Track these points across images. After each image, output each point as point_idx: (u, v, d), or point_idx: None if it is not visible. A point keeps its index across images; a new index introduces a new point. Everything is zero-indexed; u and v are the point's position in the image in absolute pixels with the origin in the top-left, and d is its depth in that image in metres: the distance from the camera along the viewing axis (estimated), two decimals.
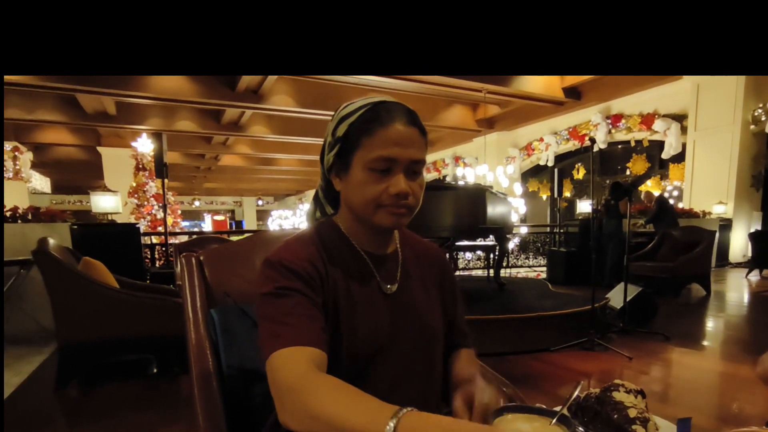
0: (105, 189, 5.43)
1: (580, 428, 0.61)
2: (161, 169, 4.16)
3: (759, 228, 8.05)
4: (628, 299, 3.68)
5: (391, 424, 0.49)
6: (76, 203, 18.85)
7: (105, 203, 5.04)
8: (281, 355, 0.62)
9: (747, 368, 2.91)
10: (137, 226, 4.59)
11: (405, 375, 0.78)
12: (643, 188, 8.39)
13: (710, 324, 4.33)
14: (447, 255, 5.33)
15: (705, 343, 3.62)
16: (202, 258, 1.20)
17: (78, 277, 2.46)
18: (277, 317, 0.66)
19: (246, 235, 1.86)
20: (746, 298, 5.66)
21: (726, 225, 7.95)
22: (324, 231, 0.82)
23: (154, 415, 2.28)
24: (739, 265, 8.07)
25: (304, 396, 0.57)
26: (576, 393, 0.60)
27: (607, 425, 0.67)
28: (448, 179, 13.72)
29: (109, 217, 5.21)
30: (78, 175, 16.35)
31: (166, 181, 4.46)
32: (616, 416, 0.66)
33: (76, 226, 3.94)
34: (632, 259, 5.34)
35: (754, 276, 6.92)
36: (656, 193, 8.02)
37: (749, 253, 7.61)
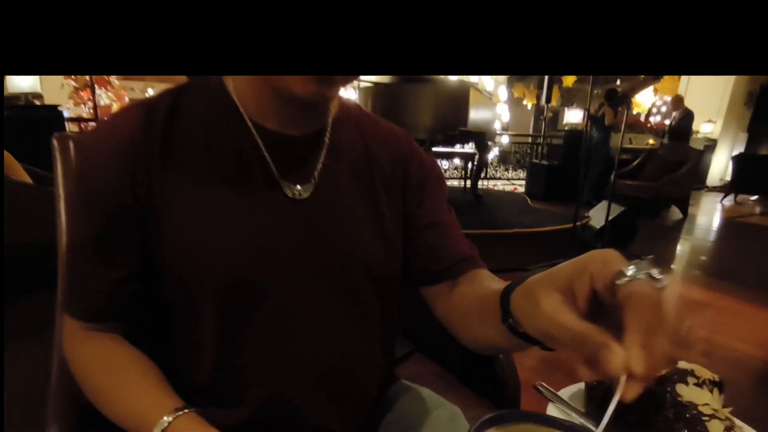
0: None
1: None
2: None
3: (743, 150, 8.03)
4: (609, 219, 3.54)
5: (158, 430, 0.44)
6: None
7: (21, 82, 4.30)
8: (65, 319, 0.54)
9: (723, 296, 2.92)
10: (60, 109, 3.99)
11: (321, 325, 0.54)
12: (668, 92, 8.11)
13: (688, 249, 4.35)
14: None
15: (684, 268, 3.61)
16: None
17: None
18: (73, 264, 0.54)
19: None
20: (720, 223, 5.76)
21: (710, 146, 7.89)
22: (193, 95, 0.54)
23: None
24: (715, 189, 8.17)
25: (79, 381, 0.53)
26: (614, 402, 0.32)
27: None
28: None
29: (32, 101, 4.52)
30: None
31: None
32: None
33: None
34: (616, 176, 5.21)
35: (728, 201, 7.01)
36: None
37: (727, 178, 7.66)
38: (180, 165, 0.50)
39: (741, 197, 7.20)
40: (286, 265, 0.51)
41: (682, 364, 0.46)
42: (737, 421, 0.43)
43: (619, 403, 0.47)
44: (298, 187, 0.52)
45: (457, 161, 7.19)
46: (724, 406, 0.44)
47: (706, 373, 0.45)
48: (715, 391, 0.45)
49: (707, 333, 2.36)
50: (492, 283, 0.55)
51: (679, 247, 4.36)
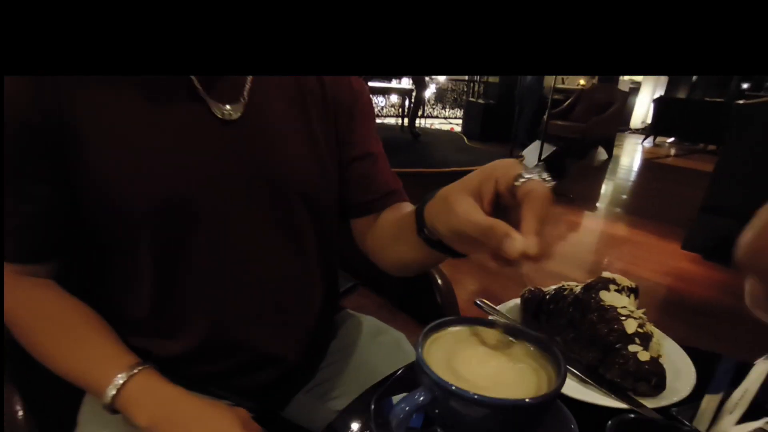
0: None
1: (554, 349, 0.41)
2: None
3: (663, 93, 8.66)
4: (541, 158, 3.76)
5: (112, 390, 0.45)
6: None
7: None
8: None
9: (639, 231, 3.25)
10: None
11: (259, 250, 0.56)
12: None
13: (611, 188, 4.73)
14: None
15: (607, 206, 3.95)
16: None
17: None
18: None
19: None
20: (640, 163, 6.29)
21: (635, 88, 8.42)
22: None
23: None
24: (637, 131, 8.83)
25: (18, 329, 0.50)
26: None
27: (588, 341, 0.49)
28: None
29: None
30: None
31: None
32: (605, 331, 0.48)
33: None
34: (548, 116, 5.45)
35: (648, 143, 7.63)
36: None
37: (648, 120, 8.29)
38: (94, 79, 0.47)
39: (659, 139, 7.86)
40: (219, 187, 0.52)
41: (606, 274, 0.53)
42: (652, 328, 0.51)
43: (551, 310, 0.54)
44: (228, 107, 0.52)
45: (394, 98, 7.13)
46: (638, 309, 0.52)
47: (625, 281, 0.53)
48: (632, 296, 0.53)
49: (623, 265, 2.66)
50: (408, 208, 0.60)
51: (603, 187, 4.74)
